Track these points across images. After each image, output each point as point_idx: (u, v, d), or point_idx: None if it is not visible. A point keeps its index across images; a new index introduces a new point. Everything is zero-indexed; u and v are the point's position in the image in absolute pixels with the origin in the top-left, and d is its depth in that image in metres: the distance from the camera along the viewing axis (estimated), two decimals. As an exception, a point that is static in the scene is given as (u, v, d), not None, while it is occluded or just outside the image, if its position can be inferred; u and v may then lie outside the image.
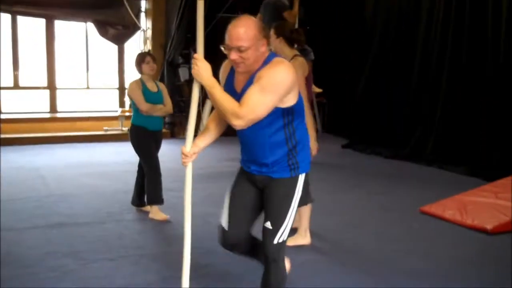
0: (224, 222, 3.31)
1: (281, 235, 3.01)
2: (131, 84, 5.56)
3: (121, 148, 9.89)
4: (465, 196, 6.08)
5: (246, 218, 3.23)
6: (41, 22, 11.52)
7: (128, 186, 6.88)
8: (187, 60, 11.80)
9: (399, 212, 6.05)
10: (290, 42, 4.67)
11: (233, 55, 2.83)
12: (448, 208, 5.81)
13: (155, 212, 5.58)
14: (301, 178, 3.04)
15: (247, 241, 3.27)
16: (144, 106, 5.44)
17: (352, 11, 11.42)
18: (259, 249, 3.20)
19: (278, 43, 4.63)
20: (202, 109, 11.86)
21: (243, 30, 2.80)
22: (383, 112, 10.25)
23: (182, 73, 11.76)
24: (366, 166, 8.82)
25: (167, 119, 11.29)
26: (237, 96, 2.87)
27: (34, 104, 12.40)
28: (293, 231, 4.77)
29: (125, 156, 9.07)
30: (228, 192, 3.32)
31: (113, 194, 6.60)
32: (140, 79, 5.60)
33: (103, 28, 11.65)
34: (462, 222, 5.49)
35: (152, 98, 5.55)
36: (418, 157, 9.01)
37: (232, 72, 3.03)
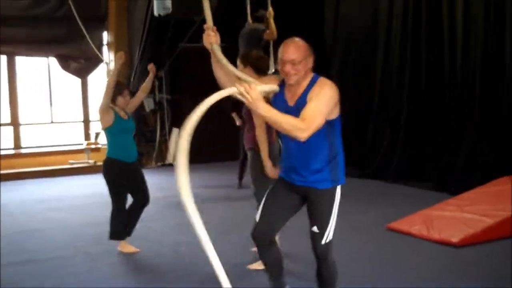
0: (258, 215, 3.60)
1: (327, 236, 3.44)
2: (100, 110, 5.27)
3: (88, 181, 9.84)
4: (431, 211, 6.17)
5: (278, 215, 3.57)
6: (2, 59, 11.42)
7: (96, 218, 6.86)
8: (151, 90, 11.82)
9: (366, 230, 6.11)
10: (257, 70, 4.68)
11: (287, 68, 3.22)
12: (415, 223, 5.89)
13: (124, 245, 5.51)
14: (339, 188, 3.44)
15: (272, 238, 3.62)
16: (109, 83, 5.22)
17: (312, 27, 11.58)
18: (273, 252, 3.64)
19: (246, 72, 4.48)
20: (169, 137, 11.90)
21: (296, 46, 3.24)
22: (346, 132, 10.31)
23: (147, 103, 11.77)
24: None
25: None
26: (290, 109, 3.24)
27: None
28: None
29: (92, 188, 9.01)
30: (266, 193, 3.63)
31: (80, 228, 6.55)
32: (111, 108, 5.32)
33: (65, 62, 11.61)
34: (428, 237, 5.57)
35: (125, 125, 5.39)
36: (384, 175, 9.12)
37: (281, 89, 3.38)
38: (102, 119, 5.32)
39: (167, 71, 11.82)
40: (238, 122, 8.55)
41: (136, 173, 5.49)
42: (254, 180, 4.91)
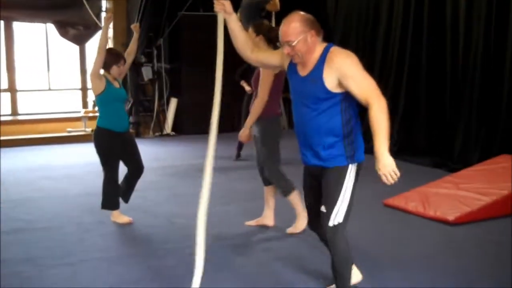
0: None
1: (335, 217, 3.22)
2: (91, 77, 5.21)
3: (85, 150, 9.76)
4: (428, 188, 6.12)
5: (317, 207, 3.38)
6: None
7: (90, 188, 6.81)
8: (150, 59, 11.71)
9: (363, 205, 6.04)
10: (269, 40, 4.86)
11: (286, 50, 3.17)
12: (411, 200, 5.84)
13: (117, 216, 5.46)
14: (354, 167, 3.25)
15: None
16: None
17: (314, 8, 11.42)
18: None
19: (258, 41, 4.81)
20: (167, 108, 11.81)
21: (288, 27, 3.14)
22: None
23: (145, 72, 11.66)
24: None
25: (131, 119, 11.18)
26: (304, 79, 3.19)
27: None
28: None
29: (88, 157, 8.91)
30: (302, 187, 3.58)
31: (74, 197, 6.50)
32: (104, 76, 5.25)
33: (63, 29, 11.47)
34: (424, 214, 5.53)
35: (116, 94, 5.29)
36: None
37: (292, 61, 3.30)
38: (93, 85, 5.25)
39: (166, 39, 11.68)
40: (247, 89, 8.42)
41: (128, 143, 5.41)
42: (266, 159, 5.01)
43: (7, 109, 11.53)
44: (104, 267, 4.30)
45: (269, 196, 5.30)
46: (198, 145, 9.67)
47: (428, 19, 8.56)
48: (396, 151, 8.81)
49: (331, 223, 3.23)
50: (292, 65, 3.29)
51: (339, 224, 3.24)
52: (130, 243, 4.99)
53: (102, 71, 5.25)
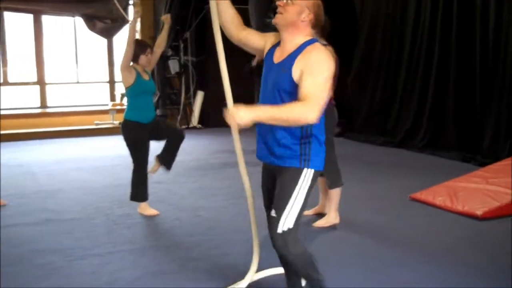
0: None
1: (284, 223, 2.91)
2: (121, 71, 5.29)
3: (112, 142, 9.87)
4: (456, 182, 6.06)
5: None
6: (28, 17, 11.44)
7: (118, 180, 6.88)
8: (177, 52, 11.76)
9: (390, 200, 6.02)
10: (322, 31, 4.65)
11: (279, 2, 2.92)
12: (439, 194, 5.78)
13: (144, 208, 5.51)
14: (310, 172, 2.95)
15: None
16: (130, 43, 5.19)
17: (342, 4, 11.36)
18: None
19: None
20: (193, 101, 11.85)
21: None
22: (375, 100, 10.21)
23: (172, 66, 11.73)
24: (359, 154, 8.79)
25: (158, 112, 11.26)
26: (273, 66, 2.95)
27: (24, 99, 12.32)
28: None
29: (116, 150, 9.05)
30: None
31: (102, 189, 6.57)
32: (133, 67, 5.33)
33: (91, 22, 11.58)
34: (452, 208, 5.47)
35: (145, 86, 5.36)
36: (411, 144, 9.00)
37: (274, 47, 3.05)
38: (123, 78, 5.33)
39: (192, 33, 11.71)
40: None
41: (157, 125, 5.49)
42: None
43: (36, 101, 11.69)
44: (131, 259, 4.33)
45: (323, 186, 5.31)
46: (224, 138, 9.70)
47: (457, 11, 8.44)
48: (424, 145, 8.76)
49: (279, 229, 2.90)
50: (271, 51, 3.04)
51: (289, 230, 2.91)
52: (156, 236, 5.03)
53: (131, 63, 5.30)
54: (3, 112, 10.83)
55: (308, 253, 3.05)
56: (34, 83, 11.64)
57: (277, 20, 2.93)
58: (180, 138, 5.55)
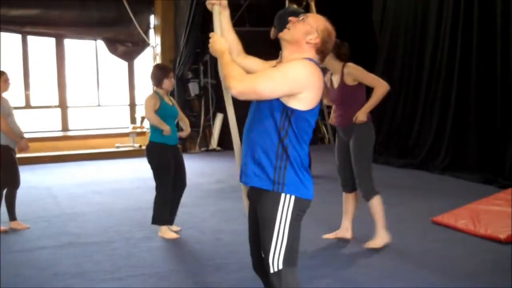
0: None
1: (272, 262, 2.72)
2: (148, 101, 5.37)
3: (133, 165, 9.93)
4: (478, 205, 5.99)
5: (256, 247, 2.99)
6: (51, 41, 11.61)
7: (138, 203, 6.92)
8: (197, 75, 11.84)
9: (411, 223, 5.97)
10: (338, 56, 4.99)
11: (292, 18, 2.87)
12: (461, 217, 5.72)
13: (164, 231, 5.52)
14: (288, 199, 2.74)
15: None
16: (165, 126, 5.31)
17: (359, 16, 11.39)
18: None
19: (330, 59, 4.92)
20: (213, 123, 11.90)
21: (315, 15, 2.97)
22: (394, 121, 10.18)
23: (192, 88, 11.79)
24: (378, 176, 8.60)
25: (178, 134, 11.29)
26: None
27: (46, 123, 12.46)
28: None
29: (136, 173, 9.11)
30: None
31: (122, 212, 6.60)
32: (156, 93, 5.44)
33: (113, 45, 11.73)
34: (475, 232, 5.40)
35: (169, 111, 5.45)
36: (431, 166, 8.93)
37: None
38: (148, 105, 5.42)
39: (212, 55, 11.78)
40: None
41: (177, 158, 5.54)
42: (362, 166, 5.04)
43: (58, 125, 11.82)
44: (151, 282, 4.34)
45: (350, 205, 5.28)
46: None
47: (478, 30, 8.40)
48: (445, 167, 8.69)
49: (271, 270, 2.73)
50: None
51: (280, 270, 2.72)
52: (176, 259, 5.03)
53: (154, 88, 5.40)
54: (26, 136, 10.94)
55: None
56: (56, 107, 11.78)
57: (283, 34, 2.86)
58: (183, 188, 5.64)
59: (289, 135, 2.73)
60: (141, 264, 4.77)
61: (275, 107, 2.71)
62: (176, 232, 5.60)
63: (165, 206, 5.46)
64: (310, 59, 2.79)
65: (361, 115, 4.98)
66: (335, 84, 5.11)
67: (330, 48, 2.89)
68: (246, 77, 2.69)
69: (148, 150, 5.48)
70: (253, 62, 3.10)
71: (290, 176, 2.74)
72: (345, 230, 5.33)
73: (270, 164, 2.74)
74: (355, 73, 4.99)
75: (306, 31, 2.80)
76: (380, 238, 5.05)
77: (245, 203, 3.00)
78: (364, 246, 5.05)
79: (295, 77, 2.67)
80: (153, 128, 5.44)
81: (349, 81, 5.00)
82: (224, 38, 2.95)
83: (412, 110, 9.81)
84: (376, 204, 5.01)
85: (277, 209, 2.73)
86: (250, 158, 2.79)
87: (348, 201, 5.27)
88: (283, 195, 2.73)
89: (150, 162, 5.45)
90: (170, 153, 5.42)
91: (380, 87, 5.01)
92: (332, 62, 5.00)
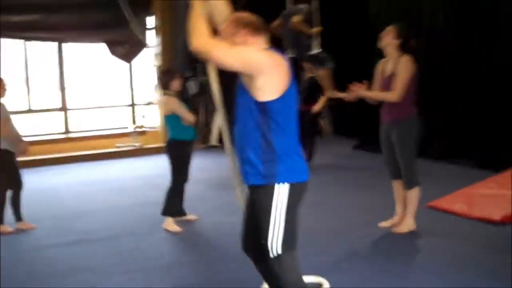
0: None
1: (271, 248, 2.85)
2: (170, 100, 5.64)
3: (135, 164, 10.09)
4: (472, 189, 6.14)
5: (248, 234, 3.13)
6: (52, 45, 11.72)
7: (141, 200, 7.06)
8: (196, 73, 11.93)
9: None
10: (403, 46, 5.05)
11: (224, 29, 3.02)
12: (456, 201, 5.87)
13: (169, 224, 5.71)
14: (282, 188, 2.85)
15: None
16: (191, 117, 5.62)
17: (356, 12, 11.49)
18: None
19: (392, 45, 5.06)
20: (212, 120, 12.02)
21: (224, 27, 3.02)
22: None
23: (191, 86, 11.89)
24: (377, 165, 8.81)
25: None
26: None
27: (47, 126, 12.56)
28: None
29: (139, 171, 9.27)
30: None
31: (127, 209, 6.75)
32: (169, 95, 5.72)
33: (113, 47, 11.82)
34: (469, 214, 5.55)
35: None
36: (426, 153, 9.02)
37: None
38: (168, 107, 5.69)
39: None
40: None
41: (191, 150, 5.87)
42: (408, 162, 5.12)
43: (60, 127, 11.94)
44: (157, 275, 4.50)
45: (401, 192, 5.35)
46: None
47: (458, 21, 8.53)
48: (440, 154, 8.80)
49: (271, 255, 2.85)
50: None
51: (280, 255, 2.85)
52: (180, 252, 5.22)
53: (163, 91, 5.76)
54: (29, 139, 11.07)
55: (303, 284, 2.98)
56: (58, 110, 11.87)
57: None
58: (183, 189, 5.90)
59: (271, 128, 2.83)
60: (146, 257, 4.93)
61: (252, 108, 2.84)
62: (193, 220, 5.99)
63: (177, 199, 5.78)
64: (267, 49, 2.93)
65: (354, 94, 5.10)
66: (388, 72, 5.10)
67: (251, 26, 2.96)
68: (207, 38, 2.78)
69: (170, 147, 5.75)
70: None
71: (279, 166, 2.84)
72: (400, 217, 5.40)
73: (259, 159, 2.84)
74: (401, 66, 4.98)
75: (229, 36, 2.95)
76: (407, 226, 5.21)
77: (239, 199, 3.15)
78: (392, 230, 5.25)
79: (250, 57, 2.80)
80: (173, 126, 5.69)
81: (404, 69, 4.98)
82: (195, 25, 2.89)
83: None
84: (415, 194, 5.17)
85: (271, 200, 2.83)
86: (241, 159, 2.94)
87: (399, 189, 5.36)
88: (276, 185, 2.83)
89: (170, 157, 5.72)
90: (190, 148, 5.78)
91: (393, 94, 4.96)
92: (392, 50, 5.06)
